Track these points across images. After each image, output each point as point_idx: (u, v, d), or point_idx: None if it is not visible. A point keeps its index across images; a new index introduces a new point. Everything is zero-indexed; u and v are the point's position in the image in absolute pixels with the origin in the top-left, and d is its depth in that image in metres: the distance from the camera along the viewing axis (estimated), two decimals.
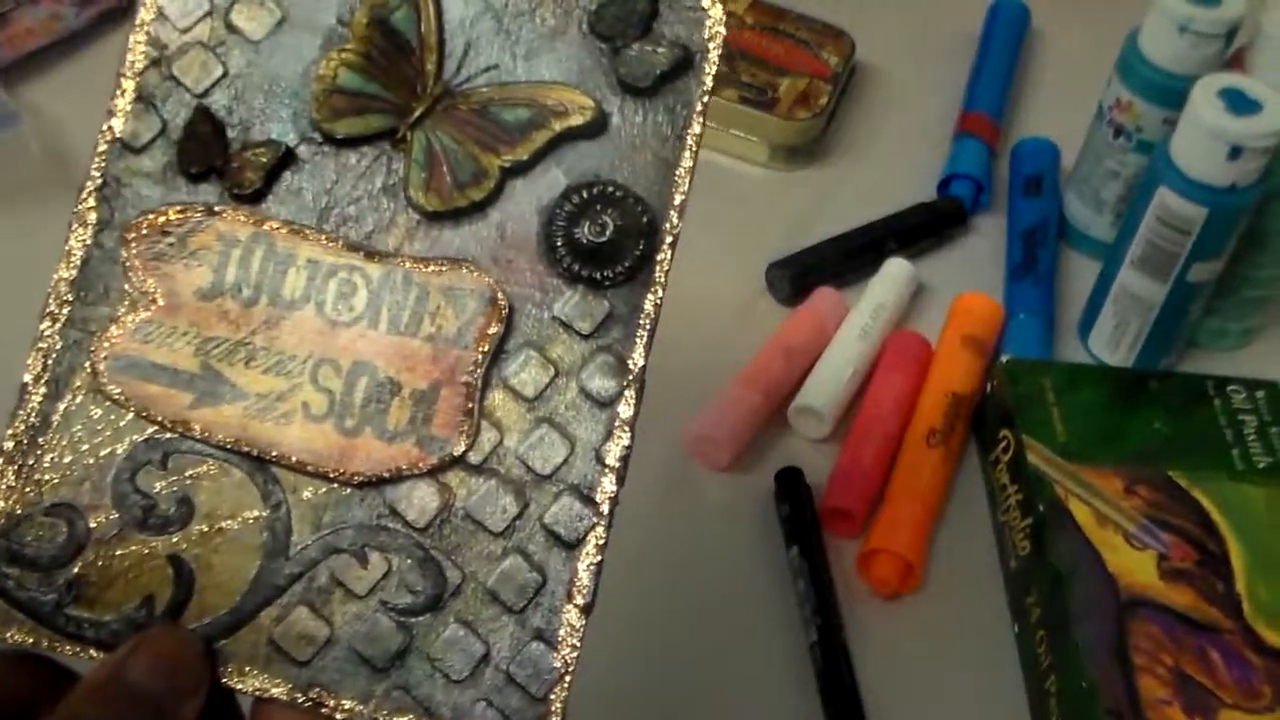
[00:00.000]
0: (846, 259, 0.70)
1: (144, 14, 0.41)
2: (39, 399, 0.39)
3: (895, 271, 0.69)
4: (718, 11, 0.40)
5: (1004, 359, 0.65)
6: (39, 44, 0.75)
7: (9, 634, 0.38)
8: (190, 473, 0.39)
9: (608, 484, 0.39)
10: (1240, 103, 0.59)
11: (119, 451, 0.39)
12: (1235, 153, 0.59)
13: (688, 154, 0.40)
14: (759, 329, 0.67)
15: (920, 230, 0.72)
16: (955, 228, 0.73)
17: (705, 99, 0.40)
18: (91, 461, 0.39)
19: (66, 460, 0.39)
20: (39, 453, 0.39)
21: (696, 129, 0.40)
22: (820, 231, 0.71)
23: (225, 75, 0.40)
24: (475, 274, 0.39)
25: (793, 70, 0.76)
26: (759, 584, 0.59)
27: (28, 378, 0.39)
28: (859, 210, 0.72)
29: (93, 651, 0.38)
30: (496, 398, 0.39)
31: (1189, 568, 0.55)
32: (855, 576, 0.59)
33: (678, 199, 0.40)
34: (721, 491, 0.62)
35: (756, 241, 0.71)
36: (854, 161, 0.77)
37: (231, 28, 0.41)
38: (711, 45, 0.40)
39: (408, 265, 0.39)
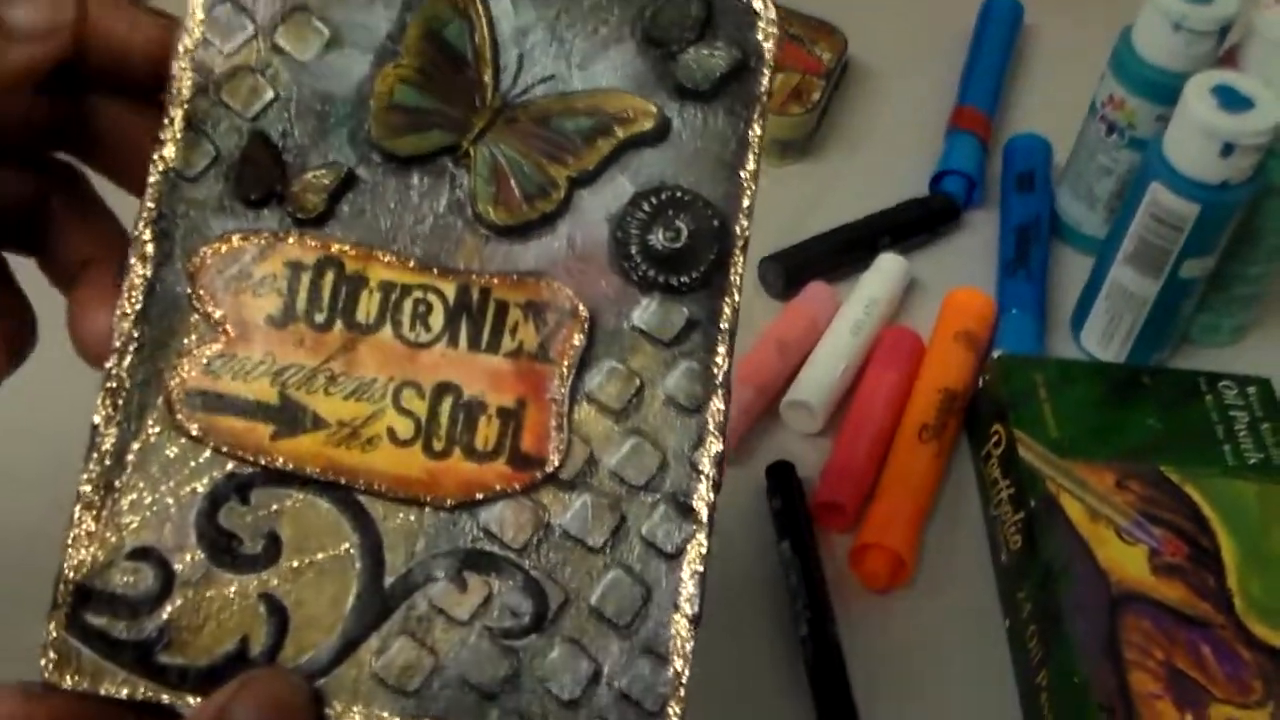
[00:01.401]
0: (839, 254, 0.71)
1: (186, 39, 0.39)
2: (112, 440, 0.37)
3: (888, 267, 0.69)
4: (770, 13, 0.40)
5: (996, 354, 0.65)
6: None
7: (104, 686, 0.36)
8: (275, 507, 0.37)
9: (704, 490, 0.38)
10: (1233, 100, 0.59)
11: (199, 489, 0.37)
12: (1228, 150, 0.59)
13: (751, 156, 0.39)
14: (751, 323, 0.67)
15: (913, 226, 0.72)
16: (948, 223, 0.74)
17: (764, 100, 0.40)
18: (172, 501, 0.37)
19: (146, 502, 0.37)
20: (116, 495, 0.37)
21: (758, 130, 0.39)
22: (813, 226, 0.71)
23: (276, 98, 0.39)
24: (553, 287, 0.38)
25: (785, 66, 0.76)
26: (750, 577, 0.59)
27: (98, 419, 0.37)
28: (851, 205, 0.72)
29: (189, 698, 0.36)
30: (583, 411, 0.38)
31: (1180, 563, 0.55)
32: (847, 571, 0.59)
33: (745, 202, 0.39)
34: None
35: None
36: (846, 157, 0.77)
37: (278, 49, 0.39)
38: (766, 47, 0.40)
39: (483, 281, 0.38)
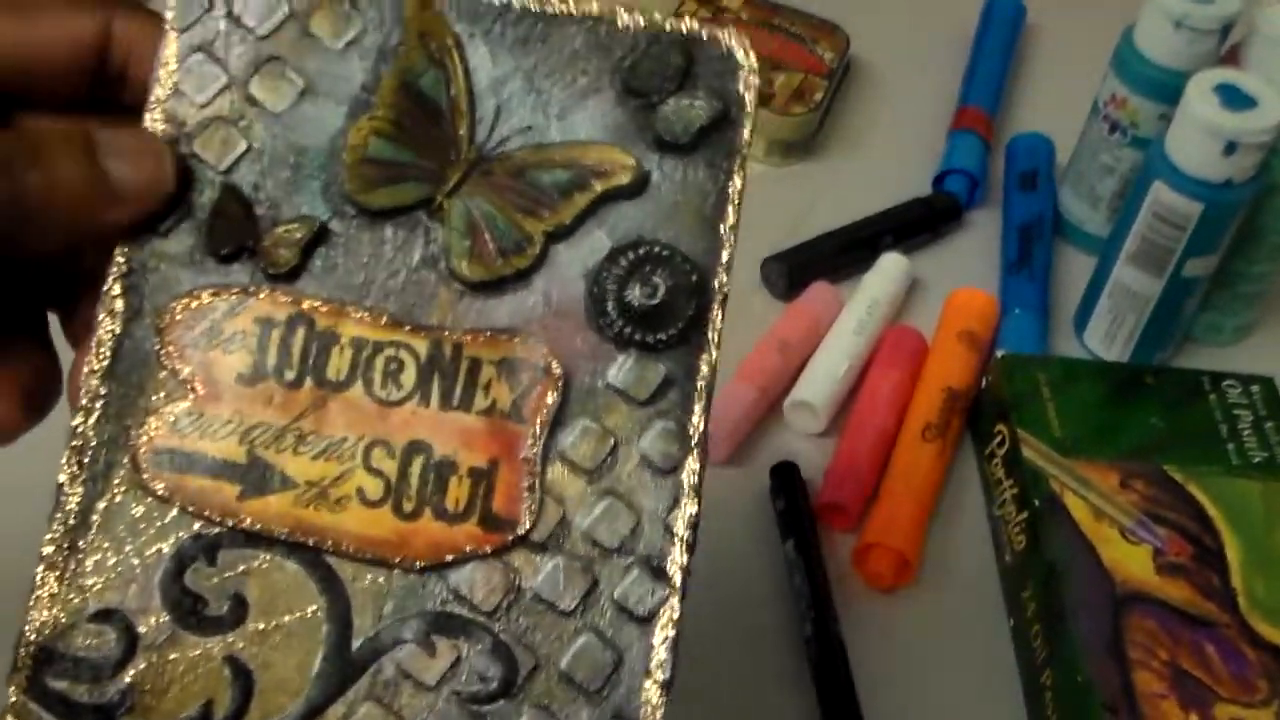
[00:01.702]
0: (842, 254, 0.70)
1: (159, 90, 0.38)
2: (76, 499, 0.37)
3: (890, 267, 0.69)
4: (751, 62, 0.39)
5: (999, 354, 0.65)
6: None
7: None
8: (242, 568, 0.37)
9: (678, 554, 0.37)
10: (1235, 98, 0.59)
11: (165, 550, 0.37)
12: (1230, 148, 0.59)
13: (731, 210, 0.39)
14: (754, 323, 0.67)
15: (916, 225, 0.72)
16: (950, 223, 0.74)
17: (745, 152, 0.39)
18: (137, 562, 0.37)
19: (110, 562, 0.36)
20: (80, 556, 0.36)
21: (738, 183, 0.39)
22: (815, 226, 0.71)
23: (249, 150, 0.38)
24: (527, 344, 0.38)
25: (788, 65, 0.76)
26: (754, 578, 0.59)
27: (63, 478, 0.37)
28: (854, 205, 0.72)
29: None
30: (556, 471, 0.37)
31: (1184, 562, 0.55)
32: (850, 570, 0.59)
33: (725, 256, 0.39)
34: (717, 485, 0.62)
35: (752, 236, 0.71)
36: (849, 156, 0.77)
37: (252, 100, 0.39)
38: (747, 97, 0.39)
39: (456, 338, 0.38)
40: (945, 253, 0.73)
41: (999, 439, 0.61)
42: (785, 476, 0.61)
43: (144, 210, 0.37)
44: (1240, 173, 0.60)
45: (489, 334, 0.38)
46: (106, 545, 0.37)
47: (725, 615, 0.58)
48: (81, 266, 0.38)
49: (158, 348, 0.37)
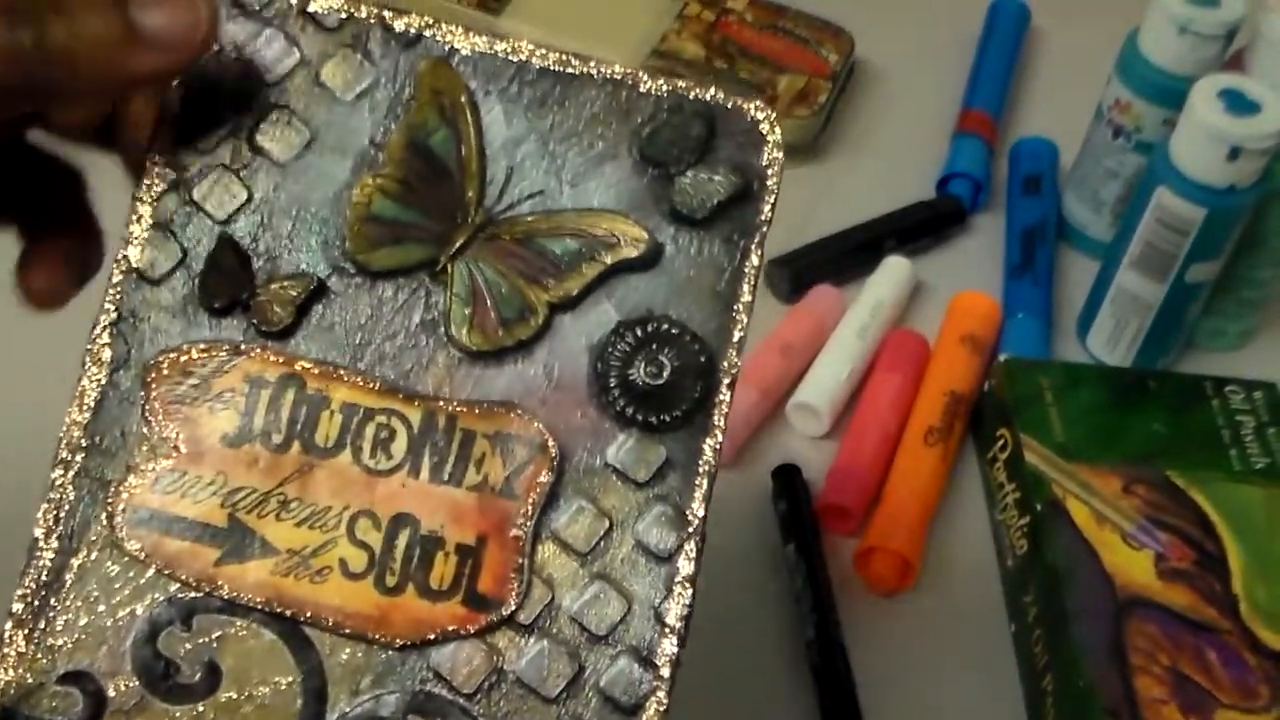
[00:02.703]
0: (845, 257, 0.70)
1: (164, 132, 0.37)
2: (51, 555, 0.36)
3: (894, 270, 0.69)
4: (776, 136, 0.38)
5: (1002, 358, 0.65)
6: None
7: None
8: (217, 635, 0.36)
9: (668, 645, 0.36)
10: (1239, 104, 0.59)
11: (139, 612, 0.36)
12: (1234, 153, 0.59)
13: (746, 287, 0.38)
14: (757, 326, 0.66)
15: (919, 229, 0.72)
16: (954, 226, 0.73)
17: (765, 229, 0.38)
18: (109, 623, 0.35)
19: (82, 622, 0.35)
20: (51, 614, 0.35)
21: (755, 261, 0.38)
22: (819, 229, 0.71)
23: (250, 200, 0.37)
24: (523, 419, 0.37)
25: (792, 68, 0.76)
26: (756, 581, 0.59)
27: (38, 532, 0.36)
28: (858, 208, 0.72)
29: None
30: (547, 551, 0.36)
31: (1186, 568, 0.55)
32: (852, 574, 0.59)
33: (736, 335, 0.37)
34: (719, 488, 0.62)
35: None
36: (853, 159, 0.77)
37: (256, 149, 0.37)
38: (770, 172, 0.38)
39: (450, 409, 0.37)
40: (948, 256, 0.73)
41: (1001, 443, 0.61)
42: (787, 479, 0.61)
43: (178, 59, 0.35)
44: (1244, 178, 0.60)
45: (485, 406, 0.37)
46: (79, 604, 0.36)
47: (726, 618, 0.58)
48: (128, 112, 0.37)
49: (142, 402, 0.36)
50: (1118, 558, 0.55)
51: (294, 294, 0.37)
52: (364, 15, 0.38)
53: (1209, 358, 0.69)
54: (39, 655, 0.35)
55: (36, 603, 0.36)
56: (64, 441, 0.36)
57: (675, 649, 0.36)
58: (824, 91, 0.76)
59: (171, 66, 0.35)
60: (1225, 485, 0.58)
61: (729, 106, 0.38)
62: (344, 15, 0.38)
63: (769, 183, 0.38)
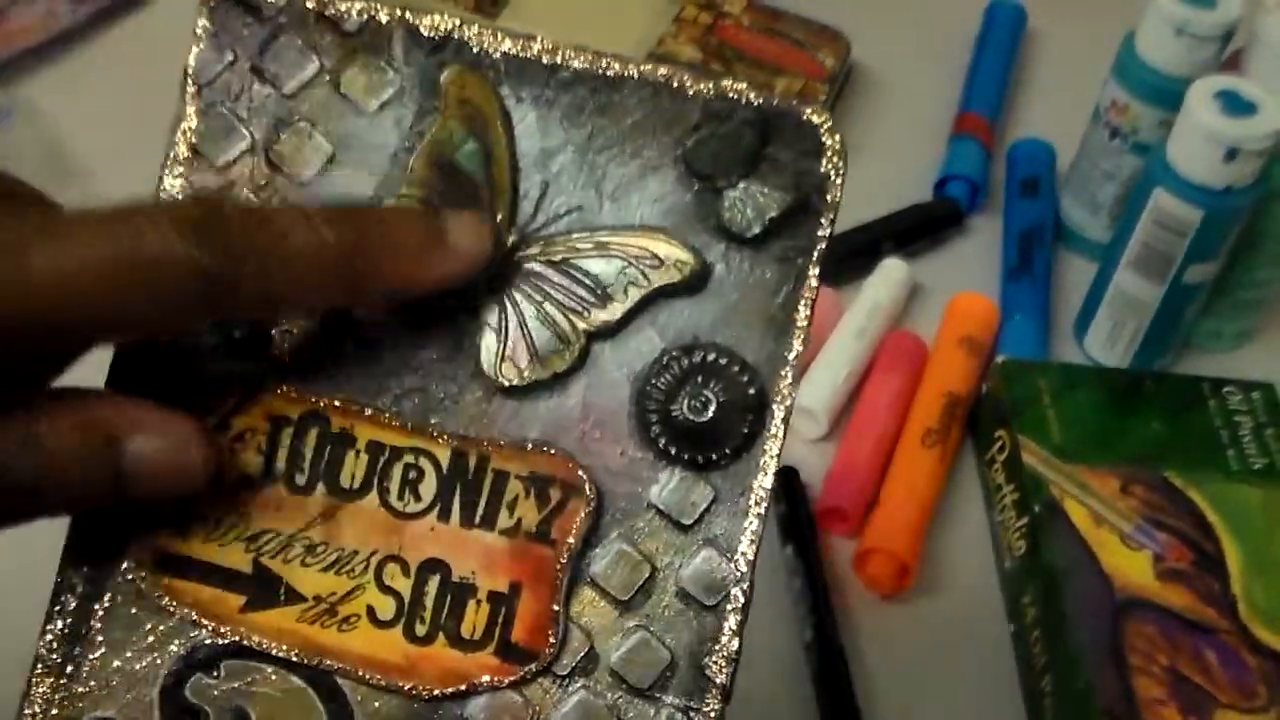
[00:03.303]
0: (842, 259, 0.70)
1: (178, 151, 0.36)
2: (75, 600, 0.34)
3: (891, 272, 0.69)
4: (836, 142, 0.35)
5: (1000, 360, 0.65)
6: (34, 41, 0.74)
7: None
8: (248, 679, 0.34)
9: (712, 701, 0.34)
10: (1236, 105, 0.59)
11: (166, 659, 0.34)
12: (1231, 155, 0.59)
13: (803, 311, 0.35)
14: None
15: (916, 231, 0.72)
16: (951, 229, 0.74)
17: (823, 246, 0.35)
18: (135, 669, 0.34)
19: (108, 668, 0.34)
20: (77, 659, 0.34)
21: (814, 281, 0.35)
22: None
23: None
24: (558, 458, 0.34)
25: (789, 71, 0.76)
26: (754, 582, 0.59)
27: (62, 577, 0.35)
28: (855, 211, 0.72)
29: None
30: (585, 599, 0.34)
31: (1184, 568, 0.55)
32: (851, 576, 0.59)
33: (791, 363, 0.34)
34: None
35: None
36: (850, 162, 0.76)
37: (275, 166, 0.35)
38: (830, 183, 0.35)
39: (482, 448, 0.35)
40: (946, 258, 0.73)
41: (999, 444, 0.61)
42: (785, 481, 0.61)
43: (470, 269, 0.34)
44: (1241, 179, 0.60)
45: (518, 445, 0.35)
46: (105, 650, 0.34)
47: None
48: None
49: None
50: (1116, 558, 0.55)
51: (316, 326, 0.35)
52: (386, 18, 0.35)
53: (1207, 359, 0.69)
54: (65, 702, 0.34)
55: (62, 646, 0.34)
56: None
57: (720, 704, 0.34)
58: (821, 95, 0.76)
59: (464, 274, 0.34)
60: (1223, 486, 0.58)
61: (783, 110, 0.35)
62: (365, 19, 0.35)
63: (829, 195, 0.35)
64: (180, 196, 0.36)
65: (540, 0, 0.77)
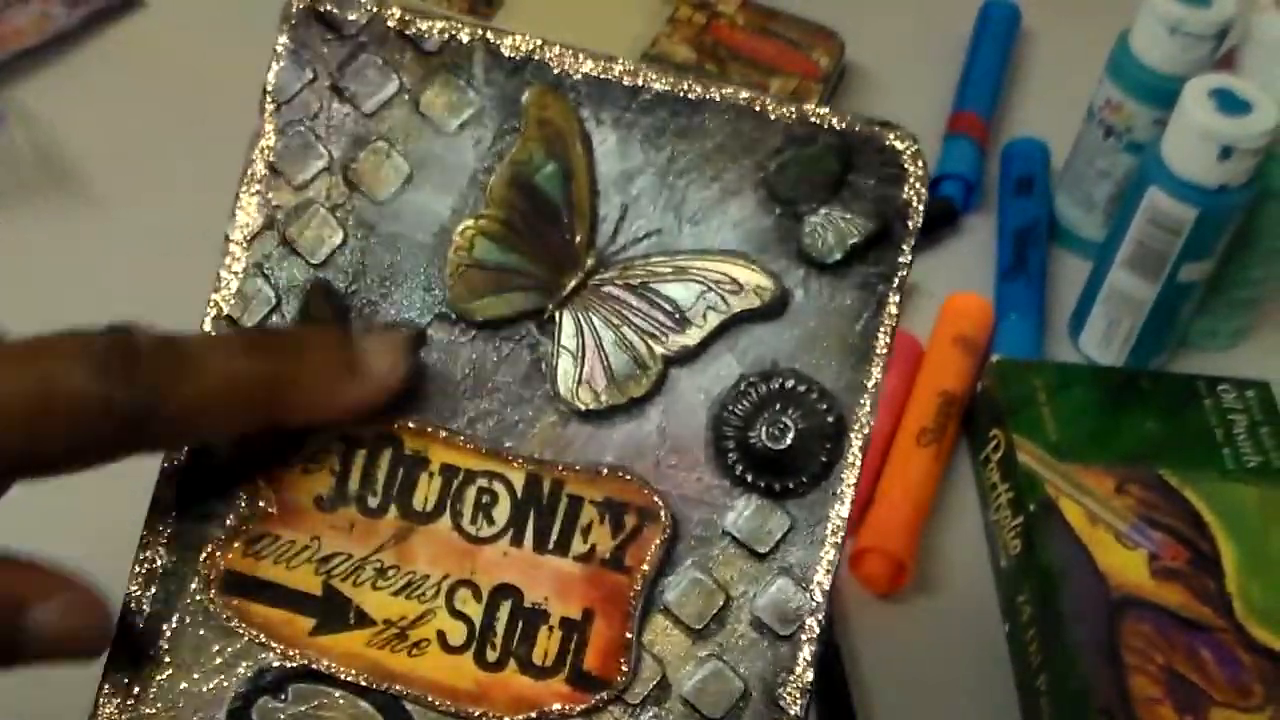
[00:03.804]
0: None
1: (255, 169, 0.35)
2: (143, 621, 0.34)
3: None
4: (919, 169, 0.34)
5: (995, 359, 0.65)
6: (28, 44, 0.74)
7: None
8: (316, 703, 0.34)
9: None
10: (1230, 103, 0.59)
11: (233, 681, 0.34)
12: (1225, 153, 0.59)
13: (883, 339, 0.34)
14: None
15: None
16: (946, 228, 0.73)
17: (905, 273, 0.34)
18: (203, 691, 0.34)
19: (175, 690, 0.34)
20: (144, 681, 0.34)
21: (894, 310, 0.34)
22: None
23: (345, 241, 0.35)
24: (634, 484, 0.34)
25: (783, 70, 0.76)
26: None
27: (129, 597, 0.34)
28: None
29: None
30: (658, 626, 0.34)
31: (1180, 567, 0.55)
32: (846, 575, 0.59)
33: (869, 392, 0.34)
34: None
35: None
36: None
37: (353, 185, 0.35)
38: (912, 209, 0.34)
39: (556, 473, 0.34)
40: (940, 257, 0.73)
41: (994, 443, 0.61)
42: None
43: (383, 395, 0.34)
44: (1235, 178, 0.60)
45: (593, 469, 0.34)
46: (171, 672, 0.34)
47: None
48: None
49: (235, 461, 0.35)
50: (1111, 557, 0.55)
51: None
52: (467, 37, 0.35)
53: (1202, 357, 0.69)
54: None
55: (128, 669, 0.34)
56: (157, 502, 0.35)
57: None
58: (815, 94, 0.76)
59: (376, 402, 0.34)
60: (1218, 484, 0.58)
61: (866, 135, 0.34)
62: (445, 38, 0.35)
63: (910, 222, 0.34)
64: (257, 215, 0.35)
65: (535, 0, 0.76)
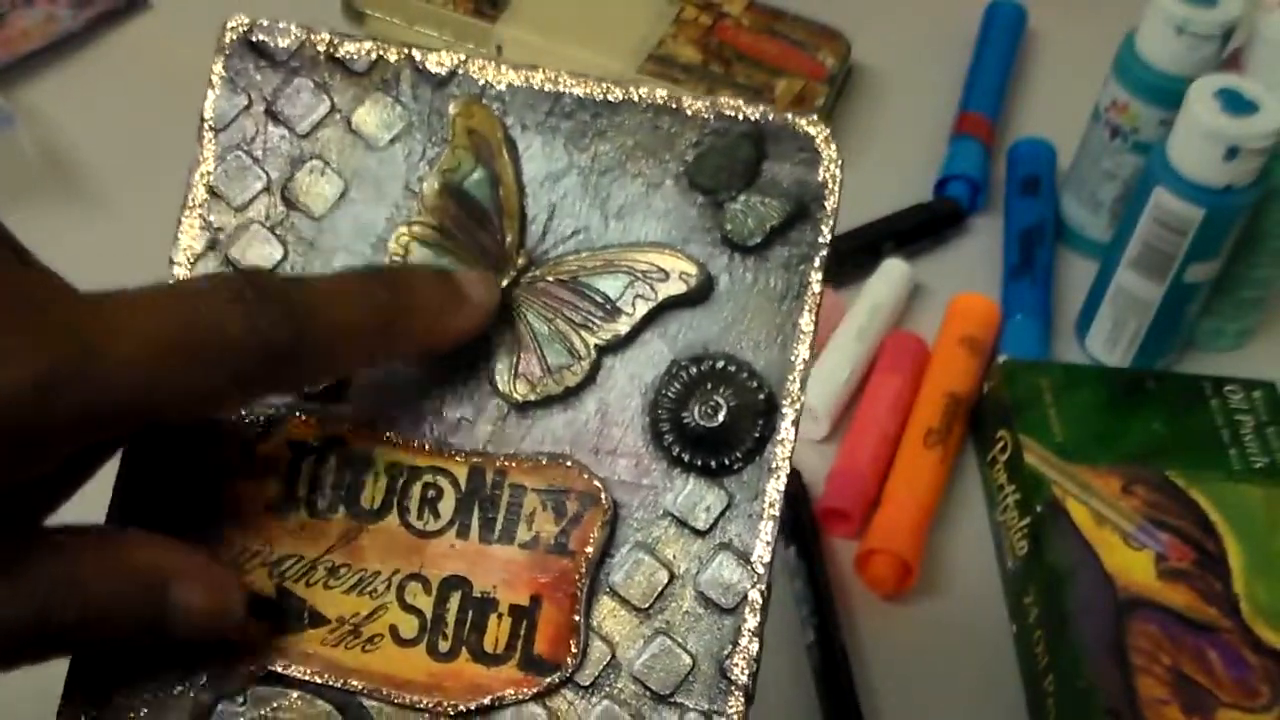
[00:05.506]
0: (843, 259, 0.70)
1: (195, 194, 0.37)
2: None
3: (892, 272, 0.69)
4: (831, 151, 0.36)
5: (1001, 359, 0.65)
6: (35, 46, 0.74)
7: None
8: (275, 704, 0.35)
9: (735, 703, 0.34)
10: (1237, 103, 0.59)
11: (195, 686, 0.35)
12: (1232, 153, 0.59)
13: (807, 315, 0.35)
14: None
15: (917, 231, 0.72)
16: (952, 228, 0.73)
17: (825, 252, 0.36)
18: (163, 696, 0.35)
19: (138, 699, 0.35)
20: (108, 691, 0.35)
21: (816, 287, 0.36)
22: None
23: (286, 257, 0.36)
24: (574, 471, 0.35)
25: (789, 71, 0.76)
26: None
27: None
28: (855, 211, 0.72)
29: None
30: (605, 608, 0.35)
31: (1187, 568, 0.55)
32: (853, 577, 0.59)
33: (798, 368, 0.35)
34: None
35: None
36: (850, 162, 0.76)
37: (291, 203, 0.36)
38: (828, 190, 0.36)
39: (498, 464, 0.35)
40: (947, 258, 0.73)
41: (1001, 444, 0.61)
42: (787, 483, 0.61)
43: (483, 318, 0.36)
44: (1241, 178, 0.60)
45: (534, 459, 0.35)
46: (134, 679, 0.35)
47: None
48: None
49: (186, 473, 0.35)
50: (1118, 558, 0.55)
51: None
52: (394, 57, 0.37)
53: (1208, 357, 0.69)
54: None
55: (92, 679, 0.35)
56: (110, 513, 0.35)
57: (743, 705, 0.34)
58: (821, 95, 0.76)
59: (480, 327, 0.36)
60: (1225, 485, 0.58)
61: (780, 123, 0.36)
62: (374, 58, 0.37)
63: (826, 203, 0.36)
64: (198, 239, 0.37)
65: (539, 2, 0.76)
